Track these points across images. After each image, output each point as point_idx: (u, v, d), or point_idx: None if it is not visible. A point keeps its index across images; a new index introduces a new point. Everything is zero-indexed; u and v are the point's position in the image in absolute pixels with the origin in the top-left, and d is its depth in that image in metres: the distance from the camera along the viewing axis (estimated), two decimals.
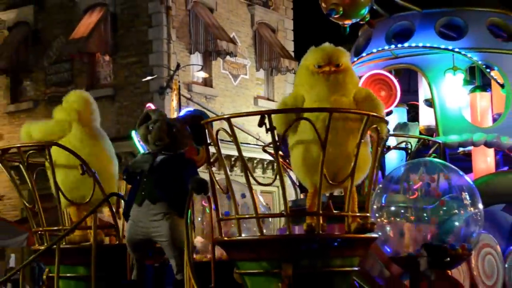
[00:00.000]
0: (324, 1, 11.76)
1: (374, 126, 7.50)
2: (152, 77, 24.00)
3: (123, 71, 25.38)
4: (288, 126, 7.23)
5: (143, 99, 23.37)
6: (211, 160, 8.09)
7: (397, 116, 13.04)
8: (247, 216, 7.90)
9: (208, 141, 7.97)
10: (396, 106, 13.29)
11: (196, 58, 26.11)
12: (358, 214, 7.67)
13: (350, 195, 7.49)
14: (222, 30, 25.19)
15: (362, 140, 7.40)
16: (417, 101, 14.02)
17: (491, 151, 12.75)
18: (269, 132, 7.10)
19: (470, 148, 12.77)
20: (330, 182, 7.34)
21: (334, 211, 7.89)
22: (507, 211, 12.02)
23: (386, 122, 7.83)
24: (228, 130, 7.36)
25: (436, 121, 12.41)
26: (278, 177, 7.43)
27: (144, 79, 23.81)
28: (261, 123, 7.21)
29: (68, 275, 8.97)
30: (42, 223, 9.12)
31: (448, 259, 8.39)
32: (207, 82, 26.48)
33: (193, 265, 7.49)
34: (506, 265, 11.31)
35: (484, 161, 12.84)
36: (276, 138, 7.23)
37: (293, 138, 7.54)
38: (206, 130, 7.79)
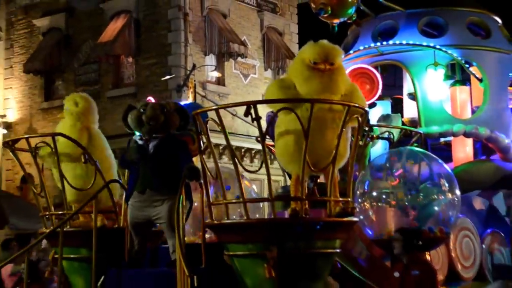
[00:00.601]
0: (313, 1, 11.48)
1: (355, 116, 7.18)
2: (171, 76, 23.76)
3: (144, 71, 25.17)
4: (278, 110, 7.00)
5: (162, 96, 23.17)
6: (202, 148, 7.69)
7: (382, 109, 12.70)
8: (234, 201, 7.52)
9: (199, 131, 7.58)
10: (381, 99, 13.01)
11: (210, 59, 25.92)
12: (339, 199, 7.32)
13: (332, 181, 7.15)
14: (234, 34, 25.06)
15: (344, 129, 7.05)
16: (402, 95, 13.68)
17: (469, 141, 12.46)
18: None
19: (450, 138, 12.49)
20: (312, 168, 6.98)
21: (320, 197, 7.54)
22: (483, 196, 11.67)
23: (367, 113, 7.50)
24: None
25: (419, 113, 12.13)
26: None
27: (163, 78, 23.65)
28: (247, 113, 6.90)
29: (71, 256, 8.69)
30: (48, 208, 8.81)
31: (421, 242, 7.95)
32: (220, 81, 26.38)
33: (184, 247, 7.14)
34: (483, 247, 10.94)
35: (463, 151, 12.54)
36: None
37: (278, 128, 7.22)
38: (197, 121, 7.41)
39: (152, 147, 7.94)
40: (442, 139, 12.90)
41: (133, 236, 8.17)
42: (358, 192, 9.31)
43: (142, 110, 7.87)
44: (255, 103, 6.94)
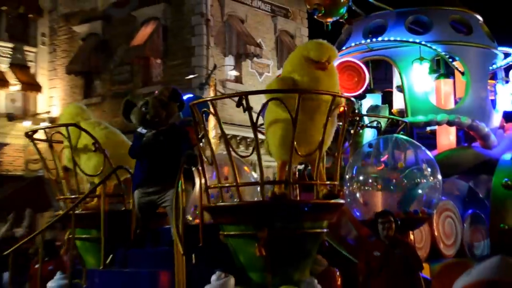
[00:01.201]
0: (308, 2, 11.27)
1: (342, 105, 7.00)
2: (194, 75, 24.18)
3: (171, 71, 25.45)
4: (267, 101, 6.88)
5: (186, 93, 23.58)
6: (199, 136, 7.49)
7: (372, 101, 12.43)
8: (227, 185, 7.32)
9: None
10: (372, 92, 12.76)
11: (229, 60, 26.16)
12: (326, 182, 7.11)
13: (318, 166, 6.96)
14: (250, 37, 25.39)
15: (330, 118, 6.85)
16: (392, 88, 13.43)
17: (453, 130, 12.21)
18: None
19: (435, 127, 12.19)
20: (299, 154, 6.79)
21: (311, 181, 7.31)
22: (464, 180, 11.41)
23: (352, 102, 7.30)
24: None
25: (405, 104, 11.90)
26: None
27: (187, 77, 23.97)
28: (238, 104, 6.71)
29: (83, 236, 8.56)
30: (63, 192, 8.66)
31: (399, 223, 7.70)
32: (238, 79, 26.76)
33: (181, 228, 6.96)
34: (464, 227, 10.69)
35: (447, 138, 12.29)
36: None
37: (269, 117, 7.04)
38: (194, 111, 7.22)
39: (157, 137, 7.76)
40: (428, 128, 12.67)
41: (138, 218, 8.00)
42: (347, 176, 9.08)
43: (144, 109, 7.75)
44: (246, 94, 6.78)
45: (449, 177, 11.32)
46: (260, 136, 7.31)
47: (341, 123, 7.47)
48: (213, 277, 6.88)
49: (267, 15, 27.54)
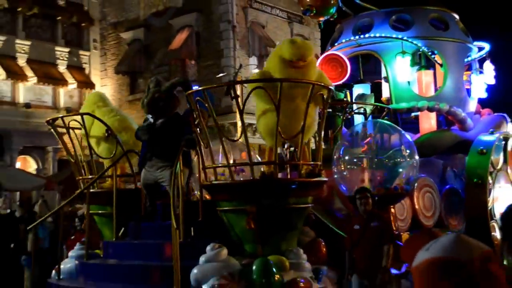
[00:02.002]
0: (301, 3, 10.77)
1: (321, 93, 6.50)
2: (223, 74, 23.75)
3: (203, 71, 25.23)
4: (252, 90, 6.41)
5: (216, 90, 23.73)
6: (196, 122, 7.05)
7: (363, 90, 11.90)
8: (220, 165, 6.88)
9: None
10: (363, 82, 12.24)
11: (253, 60, 25.94)
12: (309, 162, 6.65)
13: (301, 147, 6.50)
14: (270, 40, 25.03)
15: (310, 105, 6.37)
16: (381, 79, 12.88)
17: (433, 115, 11.65)
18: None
19: (418, 113, 11.64)
20: (283, 136, 6.33)
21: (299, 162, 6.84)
22: (443, 159, 10.89)
23: (331, 90, 6.80)
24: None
25: (390, 93, 11.34)
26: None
27: (217, 76, 23.54)
28: (227, 92, 6.25)
29: (100, 212, 8.19)
30: (80, 173, 8.28)
31: (376, 198, 7.23)
32: None
33: (180, 205, 6.56)
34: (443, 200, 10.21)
35: (428, 123, 11.75)
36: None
37: (257, 106, 6.60)
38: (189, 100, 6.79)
39: (159, 124, 7.35)
40: (412, 114, 12.13)
41: (145, 195, 7.62)
42: (335, 156, 8.60)
43: (144, 100, 7.44)
44: (233, 83, 6.35)
45: (430, 157, 10.86)
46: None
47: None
48: (208, 248, 6.47)
49: (284, 21, 27.31)
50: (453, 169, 10.86)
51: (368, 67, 13.42)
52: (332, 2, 10.47)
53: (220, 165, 6.92)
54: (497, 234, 10.14)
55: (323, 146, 9.81)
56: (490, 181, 10.40)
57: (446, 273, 1.80)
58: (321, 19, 10.78)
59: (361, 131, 8.92)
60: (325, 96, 6.60)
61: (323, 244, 7.24)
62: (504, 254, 4.00)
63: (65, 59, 26.50)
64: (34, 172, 23.21)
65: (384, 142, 8.80)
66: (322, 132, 7.02)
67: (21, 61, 24.11)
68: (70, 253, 7.95)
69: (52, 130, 8.33)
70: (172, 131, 7.23)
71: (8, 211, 14.38)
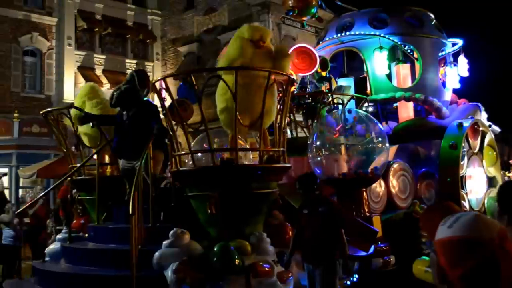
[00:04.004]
0: (284, 4, 9.56)
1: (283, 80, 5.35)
2: None
3: None
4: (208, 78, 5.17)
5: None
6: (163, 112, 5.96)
7: (346, 83, 10.62)
8: (183, 153, 5.77)
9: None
10: (346, 76, 10.98)
11: None
12: (269, 148, 5.49)
13: (261, 134, 5.35)
14: None
15: (268, 92, 5.20)
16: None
17: (410, 105, 10.37)
18: None
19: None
20: (243, 124, 5.19)
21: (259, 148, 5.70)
22: (420, 145, 9.62)
23: (291, 79, 5.62)
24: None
25: (369, 85, 10.10)
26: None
27: None
28: (185, 81, 5.14)
29: (87, 197, 7.14)
30: (71, 162, 7.26)
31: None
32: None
33: (138, 193, 5.49)
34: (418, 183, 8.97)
35: (406, 112, 10.49)
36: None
37: (217, 94, 5.47)
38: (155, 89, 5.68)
39: (129, 116, 6.28)
40: (394, 105, 10.82)
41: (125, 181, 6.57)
42: (308, 142, 7.44)
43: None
44: (190, 72, 5.25)
45: (407, 143, 9.61)
46: None
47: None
48: (171, 233, 5.40)
49: (312, 34, 25.85)
50: (429, 154, 9.60)
51: (355, 63, 12.09)
52: (313, 3, 9.23)
53: (184, 152, 5.79)
54: (466, 203, 8.96)
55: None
56: (465, 152, 9.12)
57: (469, 251, 1.64)
58: (304, 18, 9.54)
59: (334, 119, 7.72)
60: (280, 82, 5.43)
61: (289, 228, 6.08)
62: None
63: (133, 69, 26.19)
64: None
65: (357, 129, 7.60)
66: (286, 119, 5.83)
67: (98, 71, 24.09)
68: (58, 236, 6.95)
69: (51, 121, 7.28)
70: (141, 121, 6.14)
71: None
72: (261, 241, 5.56)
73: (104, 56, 24.56)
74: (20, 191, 19.22)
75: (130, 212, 4.96)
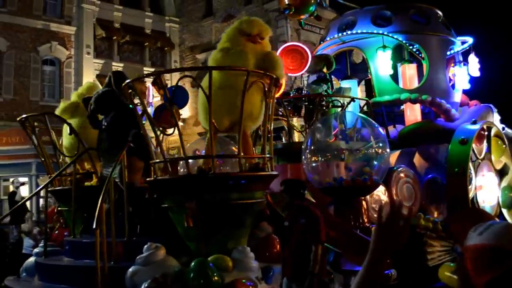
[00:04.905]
0: (280, 2, 9.10)
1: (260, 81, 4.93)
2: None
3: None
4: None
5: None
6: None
7: (351, 85, 10.16)
8: (158, 161, 5.34)
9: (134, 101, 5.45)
10: (350, 78, 10.51)
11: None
12: (251, 156, 5.07)
13: (240, 140, 4.92)
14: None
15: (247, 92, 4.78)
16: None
17: (417, 107, 9.83)
18: None
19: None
20: (219, 129, 4.77)
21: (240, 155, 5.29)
22: (427, 149, 9.10)
23: (272, 78, 5.18)
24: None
25: (373, 86, 9.61)
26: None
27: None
28: (154, 82, 4.75)
29: (65, 208, 6.81)
30: (49, 171, 6.91)
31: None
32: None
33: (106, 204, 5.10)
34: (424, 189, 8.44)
35: (413, 115, 9.94)
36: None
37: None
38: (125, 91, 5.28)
39: (107, 121, 5.93)
40: (402, 107, 10.31)
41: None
42: (303, 146, 7.00)
43: None
44: (159, 73, 4.86)
45: (414, 147, 9.11)
46: None
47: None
48: (145, 248, 5.00)
49: None
50: (437, 158, 9.08)
51: (361, 65, 11.63)
52: (311, 0, 8.76)
53: (158, 160, 5.37)
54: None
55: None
56: (472, 171, 8.57)
57: (497, 260, 1.63)
58: (302, 17, 9.07)
59: (330, 123, 7.26)
60: (265, 84, 5.00)
61: (277, 241, 5.63)
62: None
63: (151, 77, 26.05)
64: None
65: (358, 134, 7.13)
66: (271, 123, 5.38)
67: None
68: (35, 250, 6.58)
69: (27, 129, 6.93)
70: (119, 126, 5.77)
71: None
72: (244, 256, 5.12)
73: (122, 64, 24.52)
74: (41, 200, 19.08)
75: (94, 226, 4.56)
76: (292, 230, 4.75)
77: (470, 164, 8.42)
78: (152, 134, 5.48)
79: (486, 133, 9.11)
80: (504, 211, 9.15)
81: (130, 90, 5.04)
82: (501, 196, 9.13)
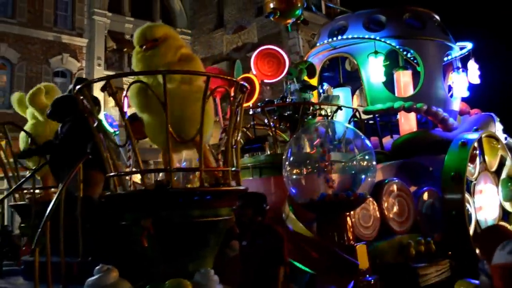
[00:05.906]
0: (266, 6, 8.73)
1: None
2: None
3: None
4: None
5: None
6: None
7: (343, 94, 9.77)
8: (123, 173, 4.94)
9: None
10: (343, 86, 10.11)
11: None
12: (214, 168, 4.67)
13: (201, 152, 4.51)
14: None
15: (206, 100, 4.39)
16: None
17: (412, 116, 9.38)
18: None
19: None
20: (177, 139, 4.37)
21: (200, 168, 4.88)
22: (424, 160, 8.62)
23: (233, 83, 4.80)
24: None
25: (365, 94, 9.21)
26: None
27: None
28: (103, 88, 4.38)
29: (25, 225, 6.43)
30: (10, 184, 6.57)
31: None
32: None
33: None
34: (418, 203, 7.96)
35: (408, 124, 9.53)
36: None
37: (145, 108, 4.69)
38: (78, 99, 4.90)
39: (62, 131, 5.56)
40: (398, 116, 9.87)
41: None
42: (283, 157, 6.57)
43: None
44: (109, 78, 4.47)
45: (409, 158, 8.64)
46: None
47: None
48: (95, 270, 4.58)
49: None
50: (432, 170, 8.61)
51: (355, 72, 11.23)
52: (298, 4, 8.39)
53: (123, 172, 4.97)
54: (471, 209, 8.17)
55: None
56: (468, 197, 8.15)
57: None
58: (288, 21, 8.68)
59: (312, 133, 6.82)
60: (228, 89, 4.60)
61: None
62: None
63: None
64: None
65: (339, 145, 6.67)
66: (238, 133, 4.98)
67: None
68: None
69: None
70: (74, 136, 5.39)
71: None
72: (206, 279, 4.70)
73: (132, 76, 24.49)
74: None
75: (33, 246, 4.17)
76: (250, 250, 4.32)
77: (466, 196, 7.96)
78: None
79: (477, 151, 8.63)
80: (506, 204, 8.70)
81: (81, 97, 4.65)
82: (501, 190, 8.69)
